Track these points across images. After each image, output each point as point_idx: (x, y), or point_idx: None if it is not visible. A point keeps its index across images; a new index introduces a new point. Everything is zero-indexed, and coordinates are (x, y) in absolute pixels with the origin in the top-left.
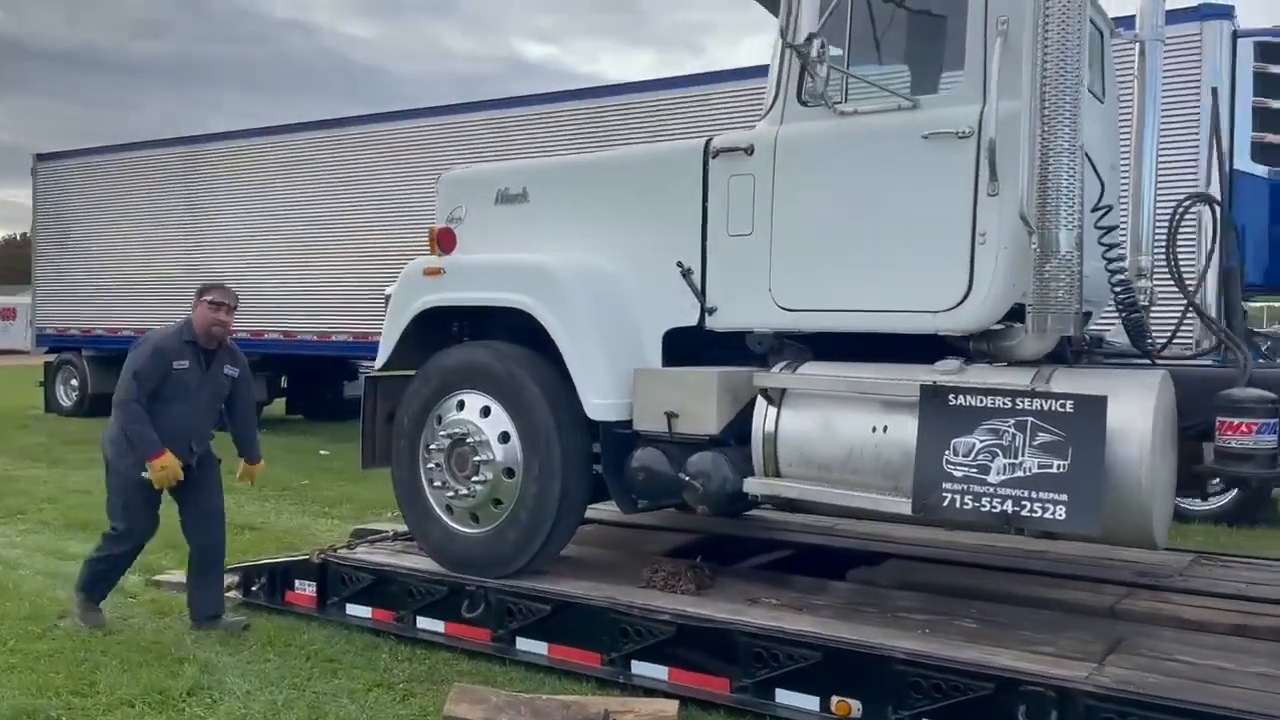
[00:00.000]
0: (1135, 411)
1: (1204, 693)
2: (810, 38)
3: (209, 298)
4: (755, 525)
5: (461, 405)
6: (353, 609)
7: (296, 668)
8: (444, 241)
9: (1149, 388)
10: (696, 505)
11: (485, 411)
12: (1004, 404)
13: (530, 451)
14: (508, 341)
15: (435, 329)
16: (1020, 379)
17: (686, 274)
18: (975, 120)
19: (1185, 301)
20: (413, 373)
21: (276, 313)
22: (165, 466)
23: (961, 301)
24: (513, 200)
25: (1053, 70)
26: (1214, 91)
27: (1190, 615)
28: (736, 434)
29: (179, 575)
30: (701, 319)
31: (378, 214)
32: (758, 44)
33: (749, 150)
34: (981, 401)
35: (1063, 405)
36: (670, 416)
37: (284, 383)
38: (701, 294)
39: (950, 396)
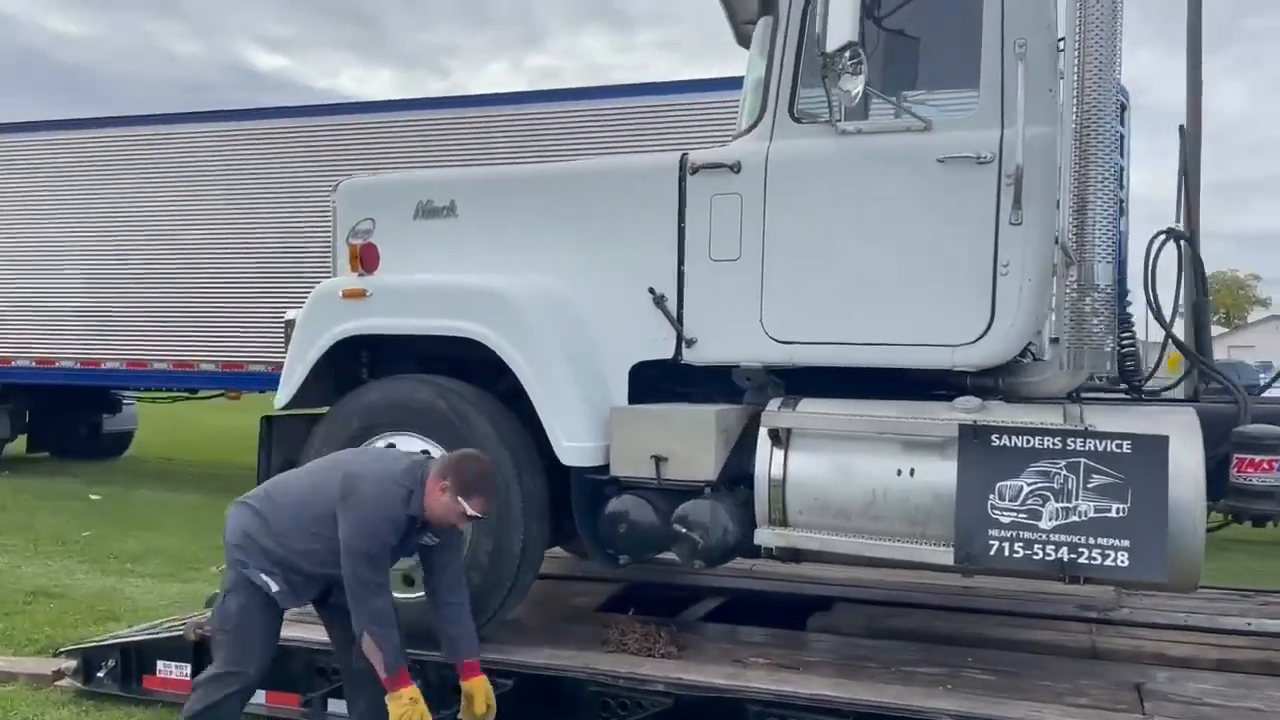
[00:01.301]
0: (1186, 451)
1: None
2: (849, 46)
3: (469, 506)
4: (669, 570)
5: (391, 449)
6: None
7: None
8: (367, 259)
9: (1192, 426)
10: (690, 559)
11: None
12: (1054, 445)
13: None
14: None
15: (342, 362)
16: (1052, 416)
17: (660, 301)
18: (996, 145)
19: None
20: (312, 412)
21: (30, 336)
22: (415, 700)
23: (983, 335)
24: (437, 214)
25: (1091, 96)
26: (1181, 129)
27: (1174, 652)
28: (730, 478)
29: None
30: (678, 351)
31: (165, 224)
32: (501, 68)
33: (735, 168)
34: (1029, 442)
35: (1119, 446)
36: (659, 460)
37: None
38: (678, 323)
39: (994, 437)
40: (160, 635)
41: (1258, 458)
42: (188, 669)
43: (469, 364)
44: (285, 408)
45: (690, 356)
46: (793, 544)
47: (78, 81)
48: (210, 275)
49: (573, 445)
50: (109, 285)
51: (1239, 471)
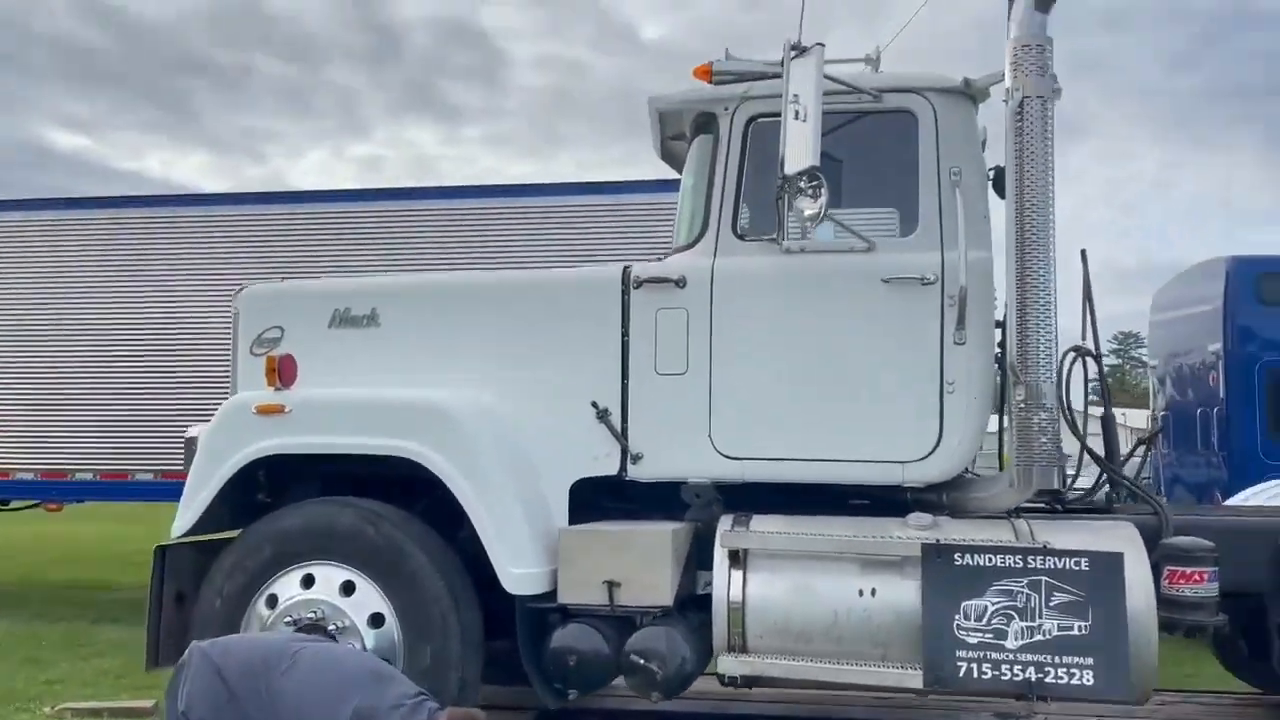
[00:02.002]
0: (1136, 565)
1: None
2: (814, 170)
3: None
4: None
5: (309, 581)
6: None
7: None
8: (285, 371)
9: (1136, 541)
10: (647, 691)
11: (348, 588)
12: (1016, 563)
13: (417, 637)
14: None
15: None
16: (1003, 533)
17: (604, 416)
18: (938, 267)
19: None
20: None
21: None
22: None
23: (932, 451)
24: (357, 324)
25: (1029, 221)
26: (1082, 253)
27: None
28: (683, 602)
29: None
30: (623, 467)
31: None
32: (322, 156)
33: (680, 282)
34: (991, 561)
35: (1078, 563)
36: (611, 586)
37: None
38: (623, 438)
39: (956, 556)
40: None
41: (1188, 569)
42: None
43: (388, 486)
44: (184, 535)
45: (636, 473)
46: (756, 671)
47: None
48: (83, 376)
49: (519, 572)
50: None
51: (1170, 583)
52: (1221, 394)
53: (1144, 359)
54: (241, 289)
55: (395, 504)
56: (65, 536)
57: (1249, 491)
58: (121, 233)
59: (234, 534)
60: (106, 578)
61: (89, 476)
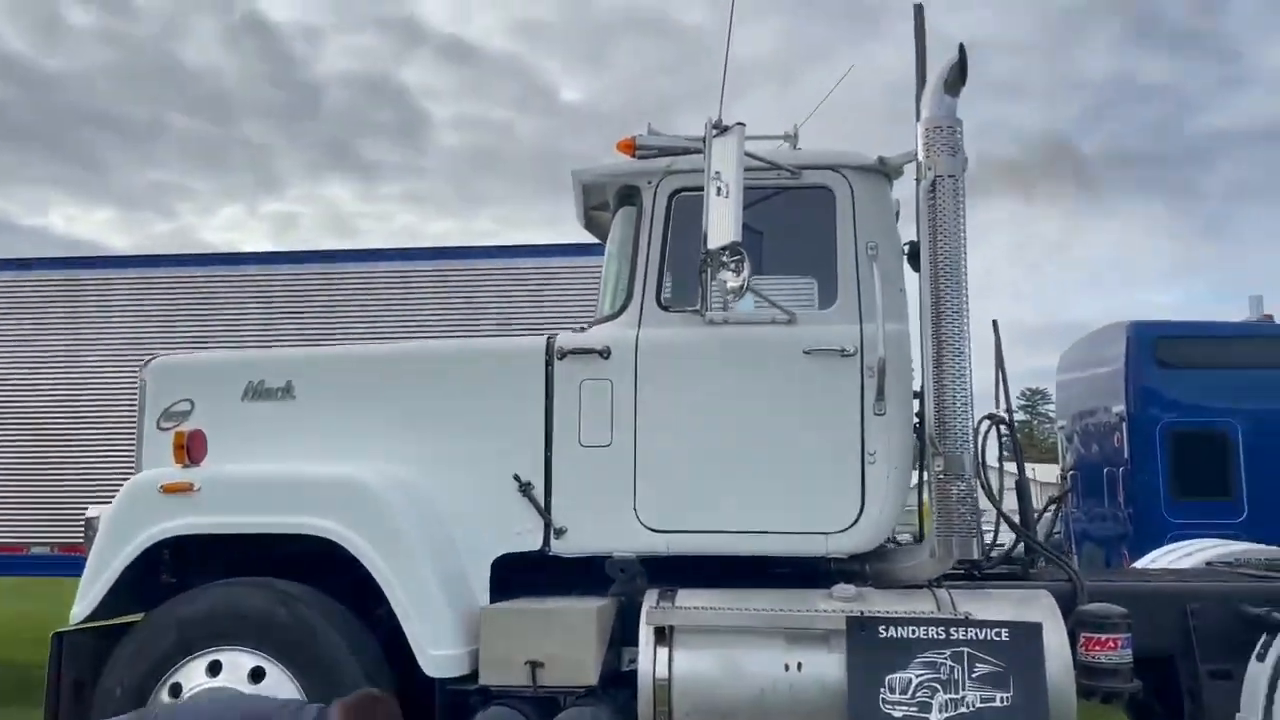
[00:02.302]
0: (1054, 634)
1: None
2: (737, 245)
3: None
4: None
5: (215, 668)
6: None
7: None
8: (194, 448)
9: (1053, 609)
10: None
11: (257, 675)
12: (939, 635)
13: None
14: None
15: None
16: (925, 604)
17: (527, 489)
18: (857, 339)
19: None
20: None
21: None
22: None
23: (855, 522)
24: (271, 396)
25: (944, 294)
26: (994, 324)
27: None
28: (608, 680)
29: None
30: (546, 542)
31: None
32: (235, 213)
33: (605, 353)
34: (914, 633)
35: (998, 634)
36: (534, 666)
37: None
38: (547, 512)
39: (880, 628)
40: None
41: (1103, 636)
42: None
43: (299, 565)
44: (83, 621)
45: (559, 548)
46: None
47: None
48: None
49: (439, 654)
50: None
51: (1086, 650)
52: (1126, 454)
53: (1050, 415)
54: (149, 359)
55: (309, 583)
56: None
57: (1156, 553)
58: (20, 296)
59: (136, 618)
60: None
61: (46, 550)
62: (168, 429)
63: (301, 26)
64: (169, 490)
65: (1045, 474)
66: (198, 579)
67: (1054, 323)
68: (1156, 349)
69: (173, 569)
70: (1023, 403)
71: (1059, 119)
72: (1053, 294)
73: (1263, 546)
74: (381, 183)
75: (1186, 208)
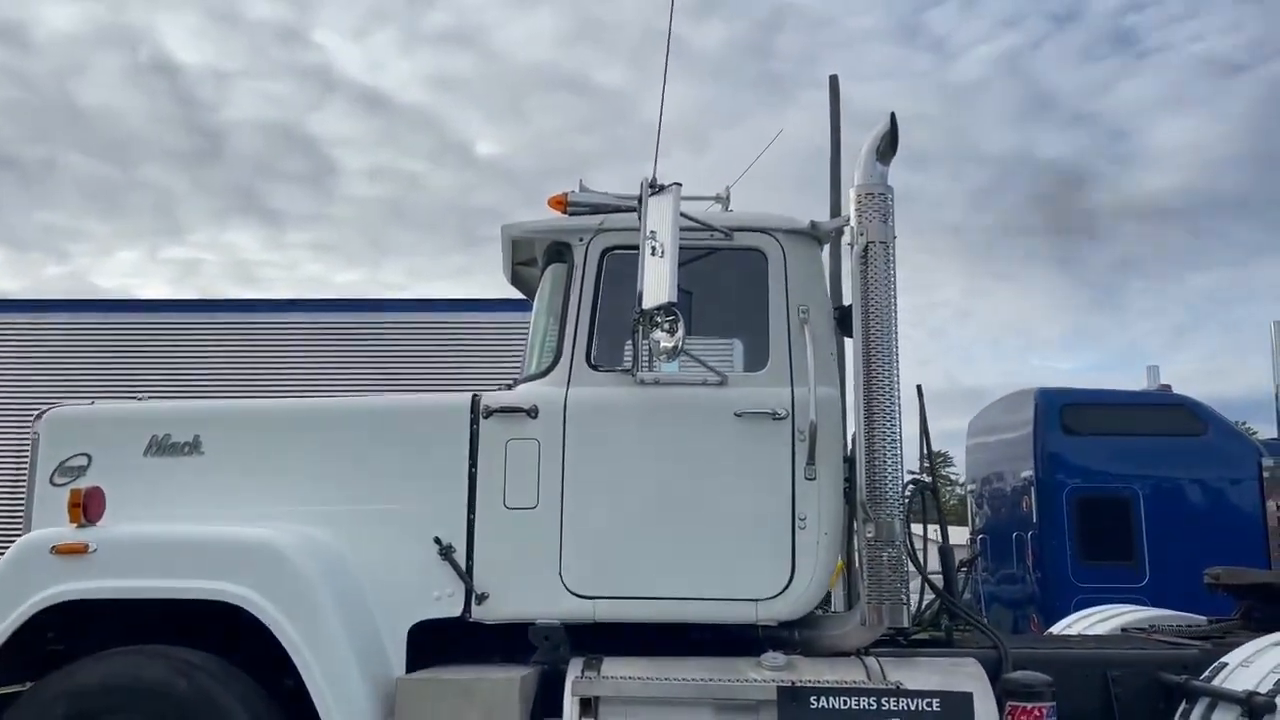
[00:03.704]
0: (983, 702)
1: None
2: (672, 306)
3: None
4: None
5: None
6: None
7: None
8: (91, 506)
9: (982, 678)
10: None
11: None
12: (870, 705)
13: None
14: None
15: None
16: (855, 672)
17: (447, 552)
18: (788, 402)
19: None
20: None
21: None
22: None
23: (785, 589)
24: (176, 451)
25: (876, 361)
26: (919, 389)
27: None
28: None
29: None
30: (466, 608)
31: None
32: (133, 257)
33: (532, 412)
34: (846, 703)
35: (930, 704)
36: None
37: None
38: (468, 577)
39: (812, 699)
40: None
41: (1029, 705)
42: None
43: (200, 632)
44: None
45: (481, 614)
46: None
47: None
48: None
49: None
50: None
51: (1017, 718)
52: (1034, 518)
53: (953, 478)
54: (43, 410)
55: (212, 651)
56: None
57: (1070, 618)
58: None
59: (20, 689)
60: None
61: None
62: (62, 485)
63: (211, 70)
64: (61, 551)
65: (952, 538)
66: (90, 647)
67: (956, 387)
68: (1063, 416)
69: (62, 635)
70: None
71: (964, 189)
72: (955, 359)
73: (1174, 613)
74: (288, 231)
75: (1082, 278)
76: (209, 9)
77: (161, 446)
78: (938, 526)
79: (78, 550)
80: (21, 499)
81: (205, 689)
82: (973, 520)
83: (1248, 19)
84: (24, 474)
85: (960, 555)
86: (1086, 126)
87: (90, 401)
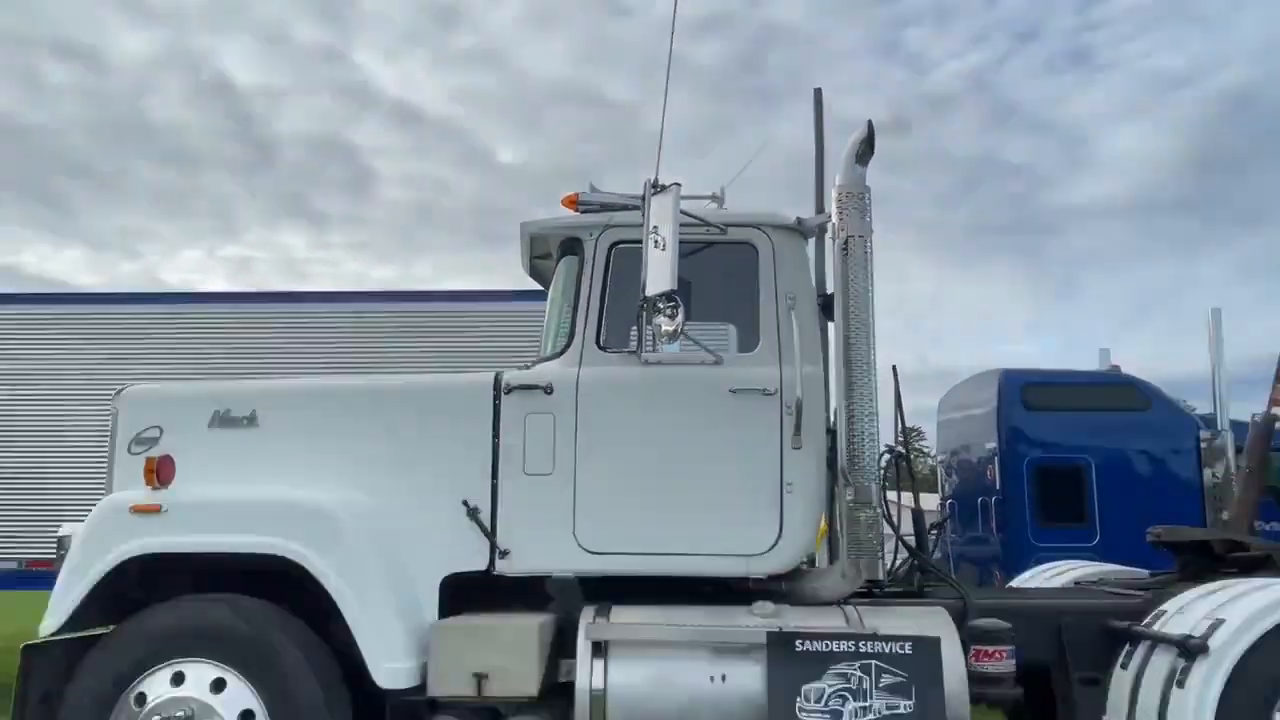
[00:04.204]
0: (951, 647)
1: None
2: (673, 293)
3: None
4: None
5: (179, 679)
6: None
7: None
8: (163, 472)
9: (950, 625)
10: None
11: (219, 685)
12: (850, 648)
13: None
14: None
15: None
16: (836, 620)
17: (474, 514)
18: (777, 380)
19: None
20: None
21: None
22: None
23: (774, 546)
24: (235, 424)
25: (855, 343)
26: (894, 369)
27: None
28: (547, 691)
29: None
30: (491, 563)
31: None
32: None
33: (548, 389)
34: (828, 646)
35: (903, 647)
36: (480, 678)
37: None
38: (492, 535)
39: (798, 643)
40: None
41: (991, 648)
42: None
43: (260, 582)
44: (54, 635)
45: (503, 568)
46: None
47: None
48: None
49: (390, 667)
50: None
51: (976, 661)
52: (997, 485)
53: (925, 450)
54: (121, 389)
55: (268, 599)
56: None
57: (1028, 573)
58: (14, 330)
59: (104, 632)
60: None
61: (14, 566)
62: (138, 454)
63: (263, 88)
64: (138, 511)
65: (925, 503)
66: (162, 596)
67: (927, 369)
68: (1024, 394)
69: (140, 585)
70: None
71: (934, 190)
72: (927, 343)
73: (1121, 567)
74: (331, 231)
75: (1041, 271)
76: (262, 33)
77: (223, 420)
78: (911, 492)
79: (152, 510)
80: (102, 470)
81: (263, 632)
82: (942, 487)
83: (1190, 37)
84: (104, 447)
85: (931, 519)
86: (1046, 134)
87: (161, 381)
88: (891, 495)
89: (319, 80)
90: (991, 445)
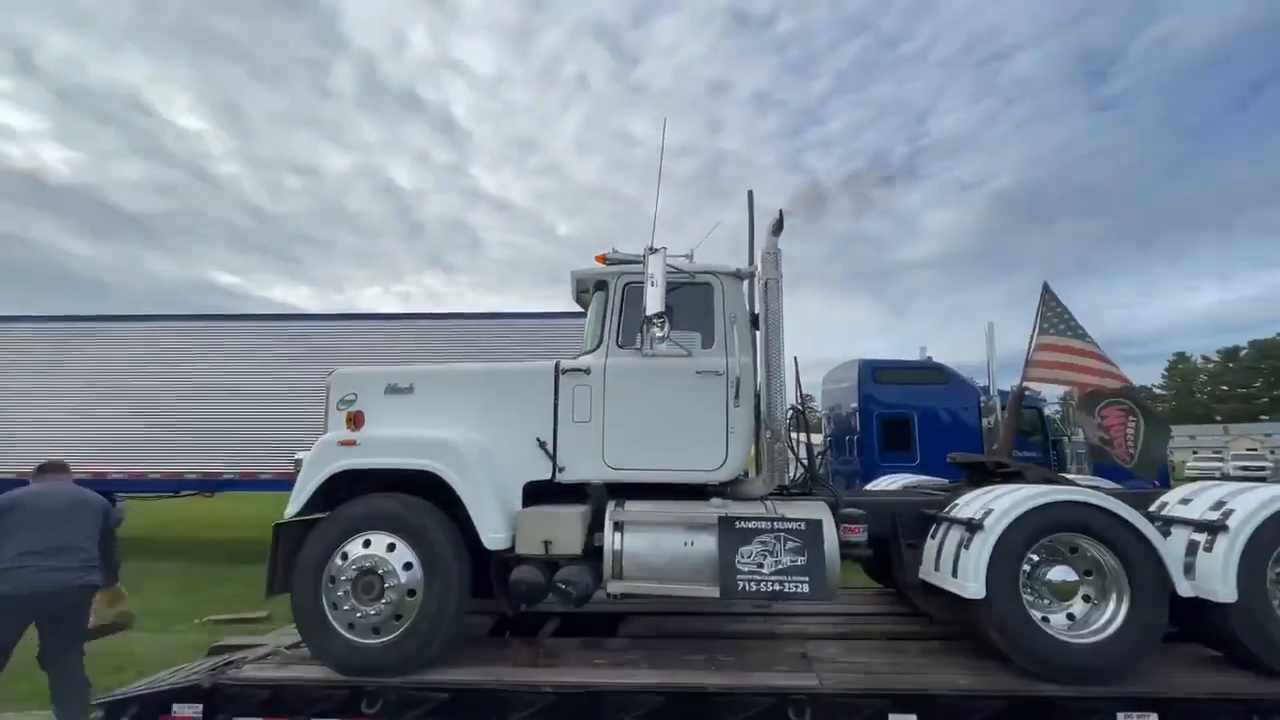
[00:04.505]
0: (828, 526)
1: (885, 680)
2: (662, 313)
3: None
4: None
5: (368, 543)
6: None
7: None
8: (357, 420)
9: (827, 511)
10: (567, 603)
11: (391, 547)
12: (767, 525)
13: (431, 576)
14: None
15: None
16: (758, 509)
17: (544, 446)
18: (724, 366)
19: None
20: (308, 519)
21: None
22: None
23: (722, 464)
24: (401, 392)
25: (772, 343)
26: (795, 359)
27: (810, 629)
28: (587, 551)
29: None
30: (553, 475)
31: (195, 391)
32: (376, 291)
33: (587, 371)
34: (755, 525)
35: (799, 525)
36: (546, 543)
37: None
38: (554, 458)
39: (737, 522)
40: (180, 684)
41: (852, 525)
42: (200, 709)
43: (416, 487)
44: (293, 517)
45: (561, 478)
46: (629, 590)
47: (81, 286)
48: (231, 418)
49: (494, 536)
50: (159, 421)
51: (845, 534)
52: (859, 429)
53: (814, 408)
54: (332, 372)
55: (420, 498)
56: (213, 511)
57: (875, 482)
58: (269, 336)
59: (322, 516)
60: (239, 537)
61: (232, 476)
62: (342, 410)
63: (416, 189)
64: (343, 444)
65: (814, 440)
66: (357, 495)
67: (815, 357)
68: (874, 373)
69: (345, 488)
70: (799, 400)
71: (822, 251)
72: (811, 344)
73: (932, 479)
74: (457, 276)
75: (886, 300)
76: (413, 154)
77: (392, 389)
78: (806, 433)
79: (351, 444)
80: (320, 419)
81: (418, 516)
82: (825, 431)
83: (977, 159)
84: (322, 406)
85: (817, 449)
86: (889, 217)
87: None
88: (799, 436)
89: (449, 184)
90: (854, 404)
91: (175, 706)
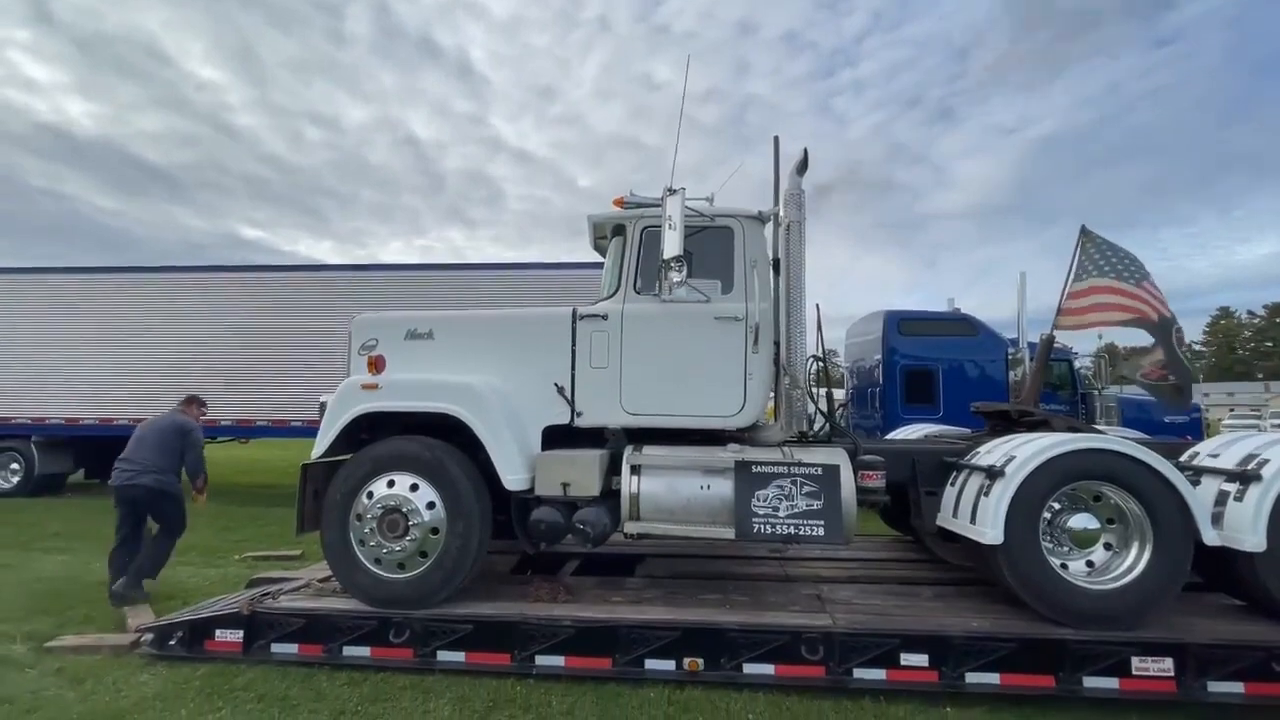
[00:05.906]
0: (845, 472)
1: (897, 621)
2: (680, 257)
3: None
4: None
5: (392, 483)
6: (278, 648)
7: (255, 712)
8: (378, 365)
9: (844, 457)
10: (585, 543)
11: (414, 487)
12: (784, 470)
13: (454, 515)
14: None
15: (352, 429)
16: (776, 455)
17: (561, 390)
18: (744, 311)
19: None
20: (333, 460)
21: (99, 403)
22: None
23: (741, 410)
24: (421, 337)
25: (793, 289)
26: (817, 306)
27: (826, 574)
28: (605, 493)
29: (72, 639)
30: (571, 419)
31: (231, 339)
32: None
33: (604, 317)
34: (771, 469)
35: (816, 470)
36: (565, 485)
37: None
38: (572, 403)
39: (754, 466)
40: (222, 611)
41: (870, 472)
42: (240, 634)
43: (437, 429)
44: (318, 458)
45: (579, 423)
46: (644, 531)
47: (114, 241)
48: (262, 371)
49: (513, 477)
50: (192, 371)
51: (862, 480)
52: (881, 381)
53: (837, 362)
54: (355, 318)
55: (441, 439)
56: (249, 457)
57: (896, 431)
58: (299, 286)
59: (347, 457)
60: (272, 480)
61: (264, 423)
62: (363, 355)
63: (435, 141)
64: (365, 387)
65: (836, 394)
66: (379, 437)
67: (840, 313)
68: (899, 325)
69: (368, 430)
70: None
71: (849, 200)
72: (840, 296)
73: (954, 428)
74: (478, 230)
75: (914, 251)
76: (434, 105)
77: (412, 335)
78: (828, 386)
79: (373, 387)
80: (342, 363)
81: (439, 456)
82: (847, 383)
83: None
84: (345, 351)
85: (839, 402)
86: (921, 164)
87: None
88: (820, 389)
89: (469, 135)
90: (878, 356)
91: (218, 632)
